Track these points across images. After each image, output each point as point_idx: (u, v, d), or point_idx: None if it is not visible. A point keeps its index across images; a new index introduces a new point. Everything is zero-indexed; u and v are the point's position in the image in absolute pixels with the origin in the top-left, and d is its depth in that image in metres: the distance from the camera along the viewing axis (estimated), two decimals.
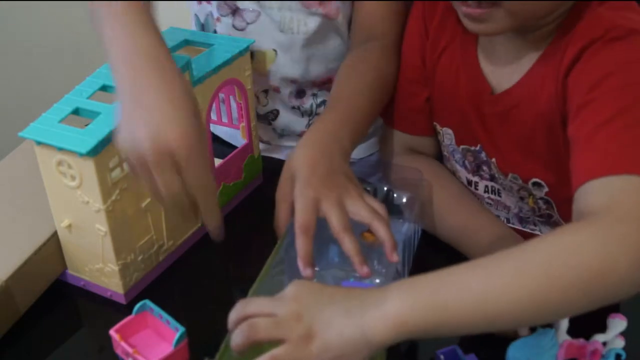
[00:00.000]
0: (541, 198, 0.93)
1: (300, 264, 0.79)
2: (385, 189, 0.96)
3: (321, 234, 0.90)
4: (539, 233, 0.97)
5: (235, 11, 1.08)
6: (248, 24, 1.08)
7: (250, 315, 0.68)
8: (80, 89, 0.89)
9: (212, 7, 1.12)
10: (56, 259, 0.92)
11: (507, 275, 0.64)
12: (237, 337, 0.67)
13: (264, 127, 1.20)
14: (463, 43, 0.93)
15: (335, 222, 0.80)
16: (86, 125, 0.84)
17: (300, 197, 0.81)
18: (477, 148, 0.95)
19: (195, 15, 1.17)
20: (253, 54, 1.09)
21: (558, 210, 0.94)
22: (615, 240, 0.64)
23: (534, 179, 0.92)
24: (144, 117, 0.72)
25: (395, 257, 0.80)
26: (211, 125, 1.01)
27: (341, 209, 0.81)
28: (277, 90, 1.14)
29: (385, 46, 1.01)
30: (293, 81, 1.13)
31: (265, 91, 1.14)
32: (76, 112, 0.87)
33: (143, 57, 0.76)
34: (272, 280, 0.81)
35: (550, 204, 0.93)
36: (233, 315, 0.69)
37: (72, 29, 2.21)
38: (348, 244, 0.79)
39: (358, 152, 1.23)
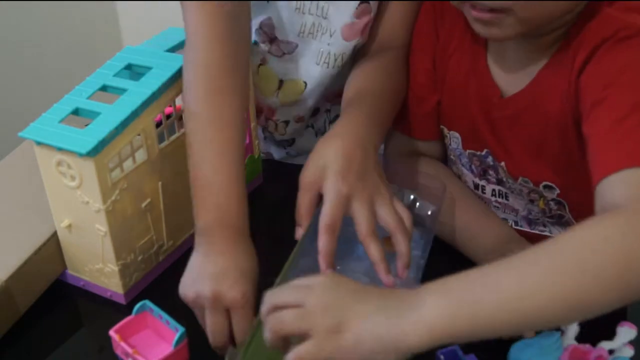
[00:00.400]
0: (553, 199, 0.93)
1: (321, 263, 0.77)
2: (412, 197, 0.95)
3: (346, 231, 0.89)
4: (548, 234, 0.96)
5: (273, 40, 1.05)
6: (284, 53, 1.06)
7: (278, 306, 0.66)
8: (80, 89, 0.89)
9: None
10: (56, 259, 0.92)
11: (542, 273, 0.62)
12: (266, 333, 0.66)
13: (278, 150, 1.19)
14: (472, 47, 0.92)
15: (363, 225, 0.78)
16: (86, 125, 0.84)
17: (332, 192, 0.79)
18: (483, 153, 0.95)
19: None
20: (282, 83, 1.08)
21: (570, 210, 0.93)
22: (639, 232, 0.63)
23: (545, 182, 0.91)
24: (210, 272, 0.77)
25: (404, 274, 0.79)
26: None
27: (371, 211, 0.79)
28: (301, 120, 1.13)
29: (401, 57, 1.00)
30: (315, 106, 1.12)
31: (286, 122, 1.14)
32: (76, 112, 0.87)
33: (222, 226, 0.81)
34: (297, 272, 0.78)
35: (562, 204, 0.93)
36: (263, 308, 0.67)
37: (72, 29, 2.21)
38: (374, 250, 0.77)
39: None
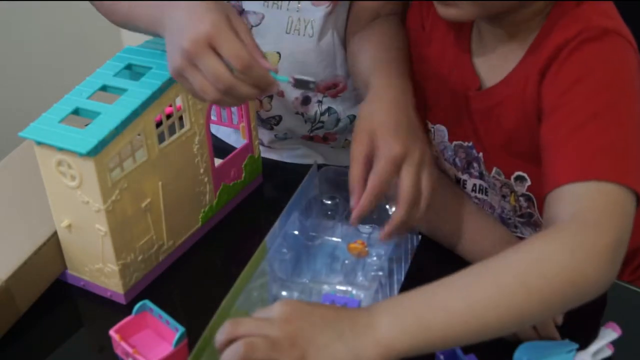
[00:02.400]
0: (522, 195, 0.93)
1: (353, 217, 0.82)
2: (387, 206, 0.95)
3: (308, 246, 0.91)
4: (520, 235, 0.97)
5: (240, 13, 1.07)
6: (252, 26, 1.07)
7: (242, 336, 0.67)
8: (80, 89, 0.89)
9: None
10: (56, 259, 0.92)
11: (487, 292, 0.67)
12: (231, 357, 0.66)
13: (265, 131, 1.19)
14: (457, 37, 0.93)
15: (406, 190, 0.81)
16: (86, 125, 0.84)
17: (385, 153, 0.81)
18: (470, 144, 0.95)
19: None
20: None
21: (538, 207, 0.93)
22: (582, 248, 0.68)
23: (517, 173, 0.91)
24: (176, 30, 0.81)
25: (384, 238, 0.83)
26: (211, 126, 1.00)
27: (418, 176, 0.82)
28: (281, 95, 1.13)
29: (394, 20, 1.01)
30: (303, 94, 1.12)
31: (270, 97, 1.14)
32: (76, 112, 0.87)
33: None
34: (250, 294, 0.81)
35: (531, 200, 0.93)
36: (222, 336, 0.68)
37: (72, 29, 2.21)
38: (396, 214, 0.82)
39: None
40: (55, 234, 0.90)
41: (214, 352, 0.70)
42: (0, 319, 0.85)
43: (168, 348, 0.80)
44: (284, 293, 0.85)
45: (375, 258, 0.91)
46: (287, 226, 0.90)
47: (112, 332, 0.81)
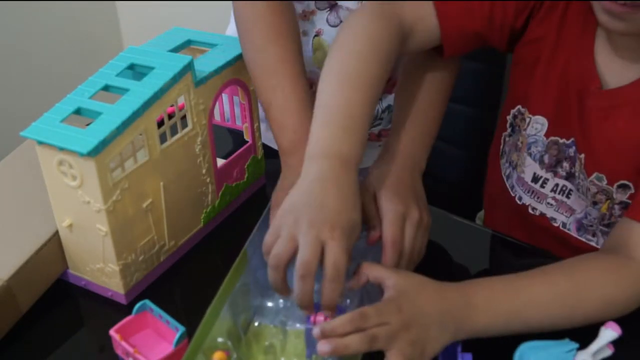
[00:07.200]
0: (620, 202, 0.89)
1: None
2: None
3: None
4: (594, 245, 0.95)
5: (333, 7, 1.06)
6: (342, 21, 1.07)
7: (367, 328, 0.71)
8: (82, 89, 0.89)
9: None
10: (57, 259, 0.92)
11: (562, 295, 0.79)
12: (357, 346, 0.71)
13: None
14: (579, 31, 0.89)
15: (408, 245, 0.82)
16: (87, 125, 0.84)
17: (390, 211, 0.82)
18: (569, 142, 0.91)
19: None
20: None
21: None
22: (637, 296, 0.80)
23: (622, 181, 0.88)
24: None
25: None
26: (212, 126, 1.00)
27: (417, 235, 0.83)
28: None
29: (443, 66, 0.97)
30: None
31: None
32: (78, 111, 0.86)
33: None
34: (235, 301, 0.81)
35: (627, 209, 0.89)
36: (349, 326, 0.71)
37: (73, 28, 2.22)
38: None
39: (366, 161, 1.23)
40: (56, 233, 0.90)
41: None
42: (1, 319, 0.85)
43: (168, 348, 0.79)
44: (269, 304, 0.84)
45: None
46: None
47: (112, 332, 0.81)
